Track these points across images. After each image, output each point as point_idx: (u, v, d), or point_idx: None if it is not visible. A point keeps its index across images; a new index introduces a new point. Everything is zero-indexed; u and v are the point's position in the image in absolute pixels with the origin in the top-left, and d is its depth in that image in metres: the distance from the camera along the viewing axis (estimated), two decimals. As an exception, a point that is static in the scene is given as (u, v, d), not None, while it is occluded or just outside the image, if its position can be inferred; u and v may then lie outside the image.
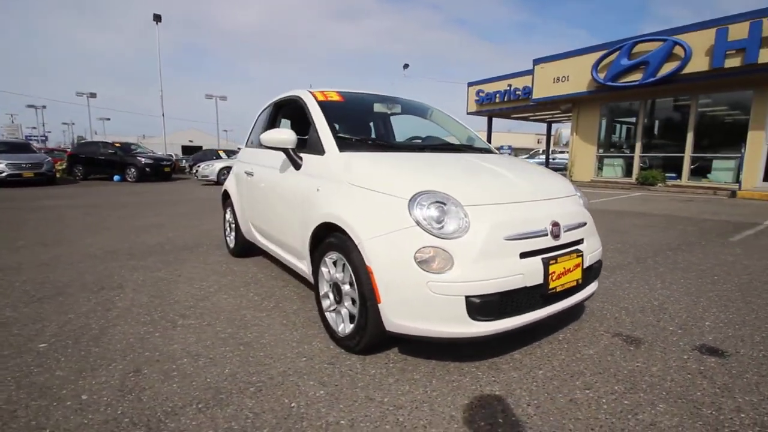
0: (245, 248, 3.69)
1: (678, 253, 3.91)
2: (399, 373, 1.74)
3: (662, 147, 11.43)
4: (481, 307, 1.56)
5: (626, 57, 10.45)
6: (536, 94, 13.24)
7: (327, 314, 2.06)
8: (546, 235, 1.74)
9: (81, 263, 3.55)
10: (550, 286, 1.72)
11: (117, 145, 15.62)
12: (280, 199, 2.50)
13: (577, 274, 1.86)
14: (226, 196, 3.93)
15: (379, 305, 1.66)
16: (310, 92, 2.57)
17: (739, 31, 8.34)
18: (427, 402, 1.54)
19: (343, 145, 2.12)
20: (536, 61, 13.06)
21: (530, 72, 13.42)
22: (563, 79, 12.23)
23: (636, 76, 10.35)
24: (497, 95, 15.83)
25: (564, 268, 1.78)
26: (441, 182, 1.75)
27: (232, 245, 3.82)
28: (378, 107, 2.82)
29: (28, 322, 2.31)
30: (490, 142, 3.12)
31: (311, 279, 2.32)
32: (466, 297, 1.54)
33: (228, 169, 14.02)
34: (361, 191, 1.82)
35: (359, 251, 1.72)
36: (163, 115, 22.59)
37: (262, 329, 2.20)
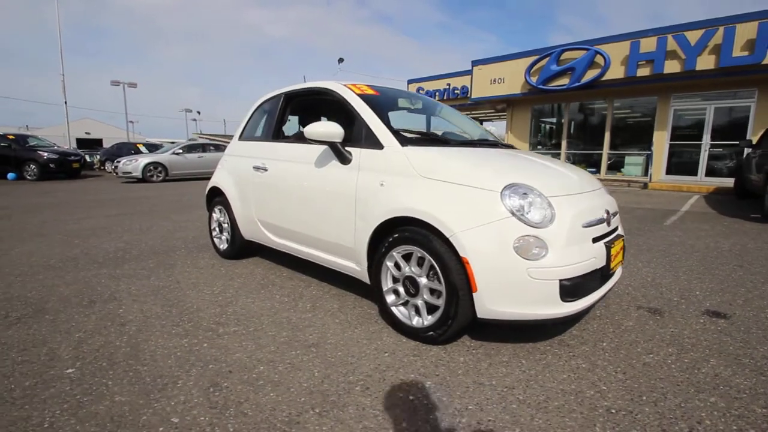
0: (242, 249, 3.46)
1: (633, 237, 4.50)
2: (487, 358, 1.82)
3: (585, 145, 12.90)
4: (569, 289, 1.70)
5: (555, 63, 11.58)
6: (474, 94, 14.04)
7: (394, 309, 2.05)
8: (604, 222, 1.95)
9: (39, 275, 3.03)
10: (611, 268, 1.93)
11: (11, 137, 13.28)
12: (318, 195, 2.40)
13: (621, 256, 2.11)
14: (214, 194, 3.63)
15: (474, 294, 1.72)
16: (345, 85, 2.50)
17: (649, 45, 9.75)
18: (532, 380, 1.64)
19: (402, 139, 2.12)
20: (474, 63, 13.85)
21: (468, 72, 14.18)
22: (499, 80, 13.15)
23: (564, 81, 11.52)
24: (437, 93, 16.47)
25: (616, 251, 2.00)
26: (519, 175, 1.85)
27: (223, 247, 3.55)
28: (402, 102, 2.83)
29: (26, 346, 1.95)
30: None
31: (361, 276, 2.29)
32: (560, 281, 1.67)
33: (155, 165, 12.74)
34: (442, 185, 1.84)
35: (450, 243, 1.75)
36: (65, 102, 19.55)
37: (320, 330, 2.12)
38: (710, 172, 10.35)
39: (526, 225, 1.68)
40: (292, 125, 3.28)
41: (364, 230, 2.13)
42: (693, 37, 9.12)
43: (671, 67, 9.55)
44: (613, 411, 1.45)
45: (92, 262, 3.42)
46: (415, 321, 1.96)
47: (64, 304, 2.50)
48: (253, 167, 3.01)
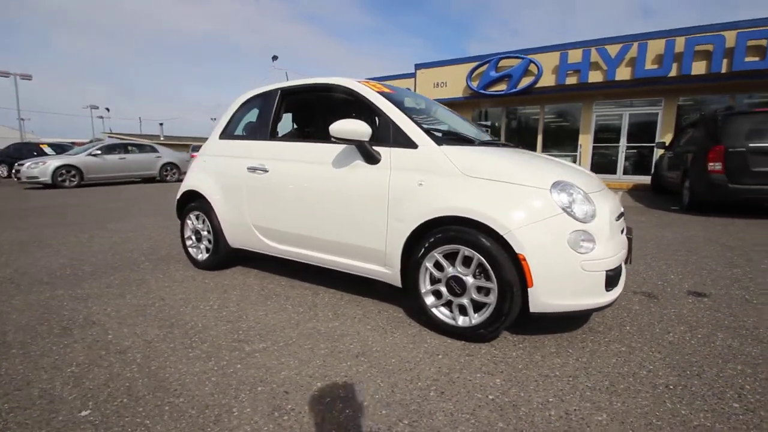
0: (226, 259, 3.18)
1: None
2: (536, 351, 1.86)
3: (520, 147, 13.88)
4: (611, 279, 1.81)
5: (494, 69, 12.33)
6: (418, 97, 14.42)
7: (435, 310, 2.02)
8: (623, 215, 2.11)
9: (-15, 301, 2.51)
10: (630, 258, 2.10)
11: None
12: (340, 197, 2.27)
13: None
14: (191, 198, 3.28)
15: (529, 289, 1.75)
16: (362, 83, 2.41)
17: (576, 56, 10.80)
18: (588, 367, 1.71)
19: (437, 138, 2.09)
20: (417, 66, 14.21)
21: (412, 75, 14.51)
22: (442, 84, 13.65)
23: (502, 87, 12.31)
24: (379, 95, 16.60)
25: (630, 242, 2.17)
26: (559, 173, 1.93)
27: (201, 257, 3.22)
28: (408, 102, 2.79)
29: (6, 390, 1.59)
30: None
31: (390, 280, 2.22)
32: (606, 271, 1.78)
33: (67, 168, 11.19)
34: (490, 183, 1.85)
35: (503, 241, 1.77)
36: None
37: (358, 338, 2.01)
38: (626, 171, 11.77)
39: (575, 220, 1.75)
40: (284, 123, 3.08)
41: (400, 231, 2.06)
42: (613, 50, 10.31)
43: (595, 77, 10.68)
44: (671, 387, 1.57)
45: (38, 283, 2.91)
46: (461, 321, 1.94)
47: (28, 334, 2.08)
48: (248, 168, 2.77)
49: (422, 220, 1.97)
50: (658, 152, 9.87)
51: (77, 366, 1.77)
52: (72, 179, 11.31)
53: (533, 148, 13.11)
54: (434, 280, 2.03)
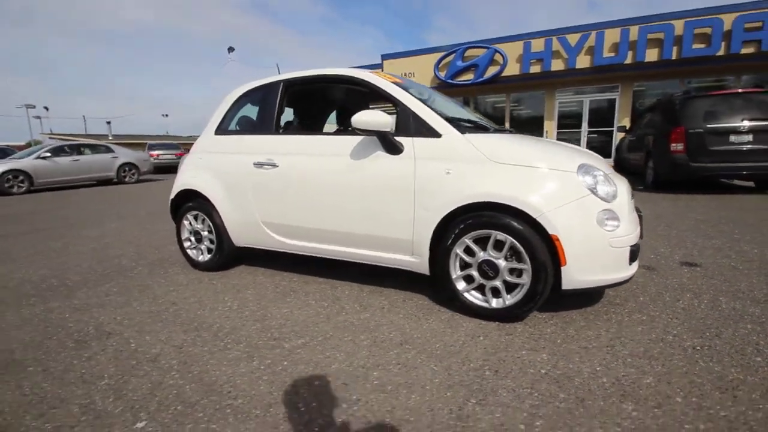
0: (230, 259, 3.08)
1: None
2: (567, 326, 1.96)
3: (488, 134, 14.28)
4: (634, 254, 1.93)
5: (460, 59, 12.53)
6: (386, 88, 14.40)
7: (467, 295, 2.07)
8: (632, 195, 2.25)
9: (-25, 320, 2.30)
10: (642, 234, 2.25)
11: None
12: (361, 189, 2.26)
13: (635, 223, 2.46)
14: (185, 198, 3.14)
15: (562, 268, 1.84)
16: (375, 73, 2.39)
17: (538, 45, 11.20)
18: (621, 336, 1.83)
19: (460, 127, 2.13)
20: (384, 56, 14.18)
21: (379, 66, 14.46)
22: (410, 74, 13.69)
23: (469, 76, 12.55)
24: (346, 87, 16.43)
25: (638, 218, 2.32)
26: (580, 156, 2.02)
27: (203, 258, 3.10)
28: (412, 92, 2.80)
29: (42, 410, 1.49)
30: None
31: (417, 268, 2.24)
32: (630, 247, 1.90)
33: (14, 173, 10.27)
34: (519, 169, 1.91)
35: (535, 223, 1.84)
36: None
37: (395, 328, 2.03)
38: (588, 154, 12.42)
39: (600, 200, 1.86)
40: (285, 116, 3.00)
41: (428, 220, 2.09)
42: (573, 39, 10.78)
43: (557, 65, 11.14)
44: (698, 348, 1.72)
45: (24, 296, 2.70)
46: (495, 302, 2.01)
47: (39, 350, 1.94)
48: (254, 164, 2.68)
49: (453, 208, 2.00)
50: (617, 136, 10.49)
51: (110, 378, 1.67)
52: (20, 185, 10.41)
53: (501, 135, 13.51)
54: (464, 266, 2.08)
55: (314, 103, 3.14)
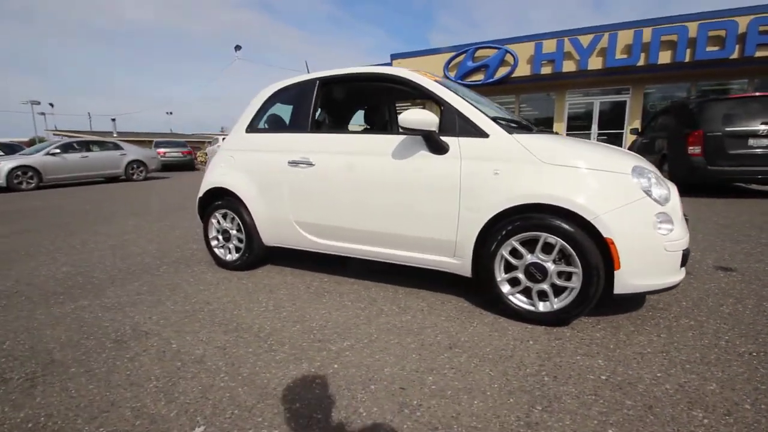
0: (258, 259, 3.06)
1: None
2: (616, 331, 1.93)
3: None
4: (685, 258, 1.90)
5: (471, 60, 12.50)
6: (395, 87, 14.37)
7: (512, 298, 2.05)
8: None
9: None
10: (686, 237, 2.22)
11: None
12: (404, 189, 2.23)
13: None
14: (213, 197, 3.12)
15: (616, 272, 1.81)
16: (417, 72, 2.36)
17: (550, 46, 11.16)
18: (675, 342, 1.80)
19: (507, 127, 2.10)
20: (394, 56, 14.15)
21: (388, 65, 14.41)
22: (419, 74, 13.67)
23: (479, 77, 12.51)
24: (354, 86, 16.40)
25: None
26: (631, 157, 1.99)
27: (231, 257, 3.08)
28: (457, 91, 2.78)
29: (94, 412, 1.46)
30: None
31: (458, 270, 2.22)
32: (682, 251, 1.87)
33: (24, 169, 10.26)
34: (572, 170, 1.88)
35: (588, 226, 1.82)
36: None
37: (441, 331, 2.00)
38: (597, 156, 12.38)
39: (655, 203, 1.83)
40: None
41: (474, 221, 2.06)
42: (585, 40, 10.74)
43: (568, 66, 11.10)
44: (754, 354, 1.69)
45: (52, 294, 2.68)
46: (542, 306, 1.98)
47: (78, 350, 1.92)
48: (289, 162, 2.66)
49: (501, 209, 1.98)
50: (627, 138, 10.45)
51: (158, 380, 1.65)
52: (30, 181, 10.42)
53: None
54: (510, 268, 2.06)
55: (343, 102, 3.12)
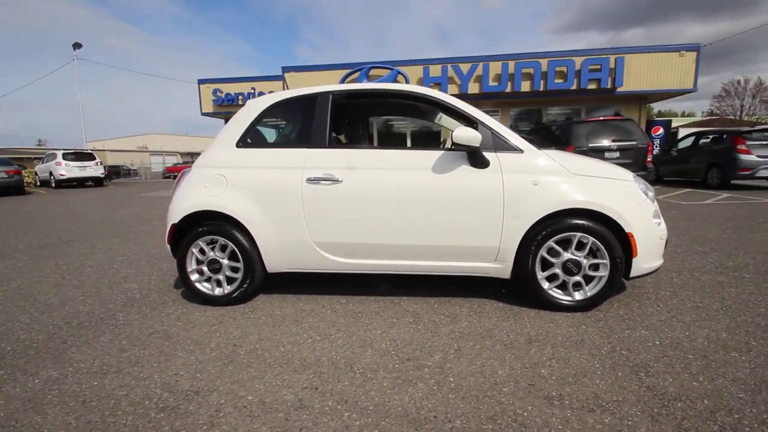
0: (257, 289, 2.75)
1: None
2: (632, 311, 2.39)
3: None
4: (665, 244, 2.49)
5: (366, 78, 13.06)
6: (289, 101, 14.05)
7: (551, 291, 2.35)
8: None
9: None
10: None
11: None
12: (449, 201, 2.32)
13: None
14: (196, 222, 2.67)
15: (633, 259, 2.26)
16: (451, 94, 2.50)
17: (436, 71, 12.46)
18: (695, 323, 2.30)
19: (535, 144, 2.41)
20: (285, 69, 13.83)
21: (278, 77, 14.04)
22: (314, 90, 13.65)
23: (374, 95, 13.15)
24: (240, 97, 15.44)
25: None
26: (625, 169, 2.51)
27: (223, 291, 2.66)
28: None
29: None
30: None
31: (497, 273, 2.42)
32: (666, 240, 2.44)
33: None
34: (595, 180, 2.28)
35: (612, 224, 2.23)
36: None
37: (508, 331, 2.16)
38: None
39: (651, 202, 2.36)
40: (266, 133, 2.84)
41: (518, 228, 2.30)
42: (465, 68, 12.34)
43: (452, 89, 12.57)
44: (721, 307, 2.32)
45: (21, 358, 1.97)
46: (578, 295, 2.33)
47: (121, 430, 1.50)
48: (308, 180, 2.49)
49: (543, 215, 2.26)
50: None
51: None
52: None
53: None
54: (547, 265, 2.36)
55: (354, 117, 3.06)
